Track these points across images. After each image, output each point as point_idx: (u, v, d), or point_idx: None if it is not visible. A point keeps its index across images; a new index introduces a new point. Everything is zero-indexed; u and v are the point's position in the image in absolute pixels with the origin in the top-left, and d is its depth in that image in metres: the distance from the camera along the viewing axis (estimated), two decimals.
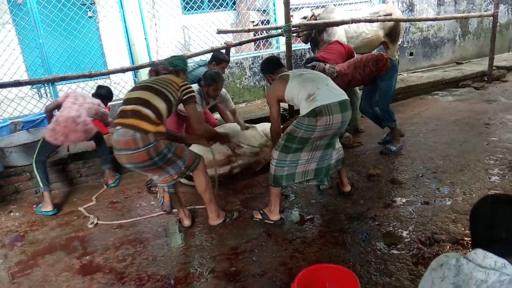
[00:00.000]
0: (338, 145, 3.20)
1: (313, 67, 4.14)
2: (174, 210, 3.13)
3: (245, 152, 3.85)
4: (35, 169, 3.60)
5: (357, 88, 4.87)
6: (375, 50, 6.48)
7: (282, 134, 2.98)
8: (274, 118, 3.13)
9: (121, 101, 5.30)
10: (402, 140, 4.47)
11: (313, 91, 2.80)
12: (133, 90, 2.84)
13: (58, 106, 3.71)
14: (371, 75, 4.03)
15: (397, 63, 6.49)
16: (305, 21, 5.36)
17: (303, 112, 2.79)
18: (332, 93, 2.85)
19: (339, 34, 5.65)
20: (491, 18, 6.97)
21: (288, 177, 2.96)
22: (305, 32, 5.57)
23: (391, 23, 6.05)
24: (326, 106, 2.73)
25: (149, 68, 3.26)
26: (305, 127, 2.76)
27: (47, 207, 3.55)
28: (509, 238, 1.14)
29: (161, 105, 2.67)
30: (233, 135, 3.88)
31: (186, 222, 3.06)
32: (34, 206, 3.78)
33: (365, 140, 4.68)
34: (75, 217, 3.48)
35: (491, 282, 1.08)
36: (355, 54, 5.04)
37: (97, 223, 3.32)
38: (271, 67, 3.26)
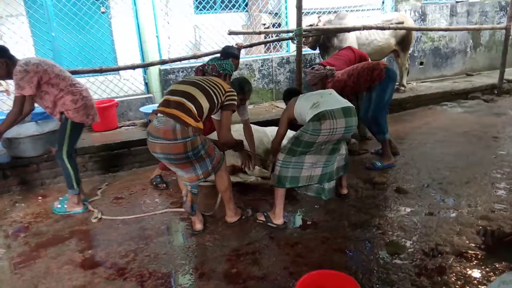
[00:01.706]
0: (343, 150, 3.26)
1: (312, 68, 4.17)
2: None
3: (256, 172, 3.72)
4: (69, 164, 3.32)
5: (364, 93, 4.85)
6: (385, 58, 6.49)
7: (289, 138, 3.05)
8: (280, 135, 3.32)
9: (131, 97, 5.35)
10: (403, 153, 4.39)
11: (317, 100, 2.98)
12: (180, 83, 2.86)
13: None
14: (366, 84, 3.96)
15: (403, 75, 6.51)
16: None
17: (307, 119, 2.90)
18: (335, 100, 3.02)
19: (351, 40, 5.65)
20: (504, 31, 6.94)
21: (292, 180, 3.01)
22: (310, 38, 5.57)
23: (403, 31, 6.05)
24: (329, 111, 2.86)
25: (197, 67, 3.26)
26: (310, 131, 2.86)
27: (78, 207, 3.44)
28: None
29: (205, 104, 2.70)
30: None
31: (198, 226, 3.01)
32: (40, 198, 3.81)
33: (371, 147, 4.66)
34: (71, 213, 3.48)
35: None
36: (369, 60, 5.04)
37: (101, 218, 3.33)
38: (290, 96, 3.44)
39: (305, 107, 3.00)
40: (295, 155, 2.96)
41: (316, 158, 3.03)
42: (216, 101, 2.78)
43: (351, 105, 3.02)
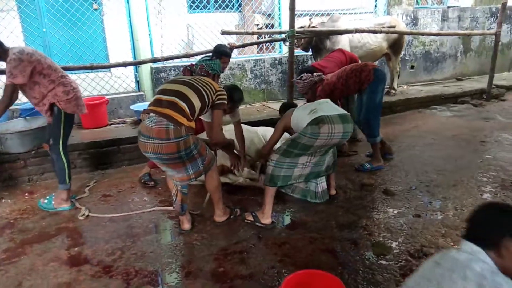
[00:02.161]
0: (333, 150, 3.35)
1: (300, 78, 4.18)
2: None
3: (244, 174, 3.70)
4: (64, 158, 3.34)
5: (355, 96, 4.88)
6: (376, 62, 6.53)
7: (286, 140, 3.17)
8: (273, 141, 3.34)
9: (122, 94, 5.32)
10: (393, 156, 4.42)
11: (314, 107, 3.08)
12: (171, 82, 2.86)
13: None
14: (355, 85, 3.96)
15: (394, 78, 6.55)
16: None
17: (305, 124, 2.95)
18: (333, 107, 3.13)
19: (343, 43, 5.69)
20: (493, 36, 7.04)
21: (284, 178, 3.09)
22: (302, 40, 5.59)
23: (395, 35, 6.10)
24: (328, 116, 2.94)
25: (184, 67, 3.29)
26: (309, 134, 2.93)
27: (65, 204, 3.42)
28: (485, 235, 1.41)
29: (197, 103, 2.70)
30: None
31: (187, 226, 2.99)
32: (26, 194, 3.77)
33: (361, 149, 4.69)
34: (59, 210, 3.45)
35: (462, 259, 1.36)
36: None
37: (88, 215, 3.31)
38: (287, 109, 3.48)
39: (302, 115, 3.06)
40: (290, 156, 3.03)
41: (309, 159, 3.12)
42: (207, 100, 2.78)
43: (347, 112, 3.12)
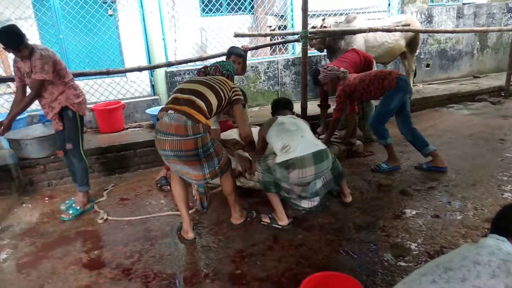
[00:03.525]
0: (329, 163, 3.06)
1: (326, 68, 4.16)
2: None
3: (255, 178, 3.61)
4: (86, 161, 3.45)
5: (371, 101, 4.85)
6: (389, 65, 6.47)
7: (263, 161, 3.08)
8: (258, 148, 3.22)
9: (137, 99, 5.39)
10: (408, 156, 4.38)
11: (287, 143, 2.92)
12: (188, 82, 2.92)
13: None
14: (376, 92, 3.92)
15: (408, 77, 6.46)
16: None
17: (277, 160, 2.92)
18: (306, 144, 2.93)
19: (358, 43, 5.65)
20: (511, 33, 6.90)
21: (276, 185, 3.03)
22: (314, 41, 5.57)
23: (412, 33, 6.05)
24: (299, 158, 2.83)
25: (199, 70, 3.39)
26: (279, 175, 2.92)
27: (88, 204, 3.53)
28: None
29: (214, 101, 2.74)
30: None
31: (191, 235, 2.93)
32: (46, 198, 3.85)
33: (377, 149, 4.65)
34: (86, 212, 3.52)
35: (487, 241, 1.46)
36: (374, 63, 5.03)
37: (106, 219, 3.35)
38: (276, 108, 3.46)
39: (276, 145, 2.98)
40: (271, 175, 3.00)
41: (291, 186, 3.06)
42: (223, 97, 2.82)
43: (323, 147, 2.97)
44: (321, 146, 2.98)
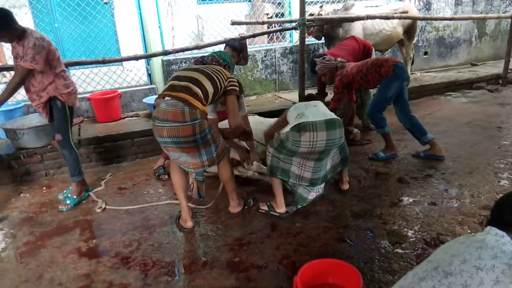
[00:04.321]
0: (341, 146, 3.14)
1: (323, 58, 4.14)
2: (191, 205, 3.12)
3: (253, 167, 3.70)
4: (76, 151, 3.43)
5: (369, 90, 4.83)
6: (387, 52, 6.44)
7: (276, 138, 3.07)
8: (278, 124, 3.32)
9: (134, 88, 5.35)
10: (405, 144, 4.39)
11: (302, 111, 2.95)
12: (184, 69, 2.91)
13: None
14: (374, 80, 3.90)
15: (406, 64, 6.44)
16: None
17: (289, 126, 2.92)
18: (320, 112, 2.94)
19: (356, 30, 5.62)
20: (509, 20, 6.86)
21: (283, 172, 3.02)
22: (312, 28, 5.53)
23: (409, 20, 6.02)
24: (311, 122, 2.81)
25: (196, 59, 3.35)
26: (291, 142, 2.86)
27: (82, 193, 3.54)
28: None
29: (210, 89, 2.73)
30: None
31: (189, 224, 2.96)
32: (44, 188, 3.84)
33: (375, 138, 4.65)
34: (84, 201, 3.52)
35: (490, 240, 1.37)
36: (373, 51, 5.00)
37: (105, 208, 3.36)
38: (307, 99, 3.40)
39: (293, 114, 2.99)
40: (282, 153, 2.98)
41: (303, 161, 3.00)
42: (219, 86, 2.82)
43: (336, 117, 2.95)
44: (334, 116, 2.97)
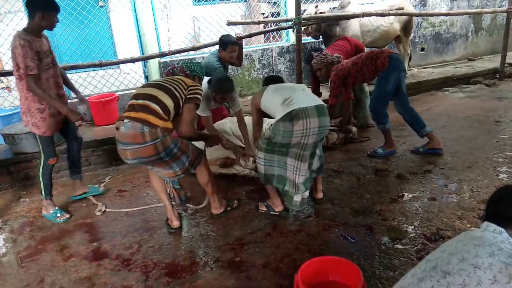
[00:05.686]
0: (319, 152, 3.04)
1: (320, 52, 4.15)
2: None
3: (250, 165, 3.68)
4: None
5: (365, 85, 4.83)
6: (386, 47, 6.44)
7: (262, 138, 2.93)
8: (254, 122, 3.19)
9: (132, 90, 5.34)
10: (404, 140, 4.40)
11: (289, 95, 2.76)
12: (143, 86, 2.87)
13: None
14: (370, 74, 3.89)
15: (403, 60, 6.44)
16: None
17: (278, 116, 2.72)
18: (309, 97, 2.83)
19: (354, 28, 5.64)
20: (505, 14, 6.87)
21: (279, 179, 2.92)
22: (310, 28, 5.54)
23: (406, 16, 6.04)
24: (303, 109, 2.65)
25: (167, 70, 3.31)
26: (282, 133, 2.70)
27: (52, 209, 3.33)
28: (507, 215, 1.42)
29: (169, 103, 2.67)
30: (233, 131, 3.85)
31: (176, 223, 2.97)
32: None
33: (373, 135, 4.66)
34: (84, 205, 3.53)
35: (488, 237, 1.37)
36: (365, 51, 5.01)
37: (104, 211, 3.36)
38: (268, 83, 3.20)
39: (275, 101, 2.81)
40: (274, 153, 2.84)
41: (297, 163, 2.84)
42: (179, 97, 2.73)
43: (324, 103, 2.84)
44: (322, 102, 2.82)
